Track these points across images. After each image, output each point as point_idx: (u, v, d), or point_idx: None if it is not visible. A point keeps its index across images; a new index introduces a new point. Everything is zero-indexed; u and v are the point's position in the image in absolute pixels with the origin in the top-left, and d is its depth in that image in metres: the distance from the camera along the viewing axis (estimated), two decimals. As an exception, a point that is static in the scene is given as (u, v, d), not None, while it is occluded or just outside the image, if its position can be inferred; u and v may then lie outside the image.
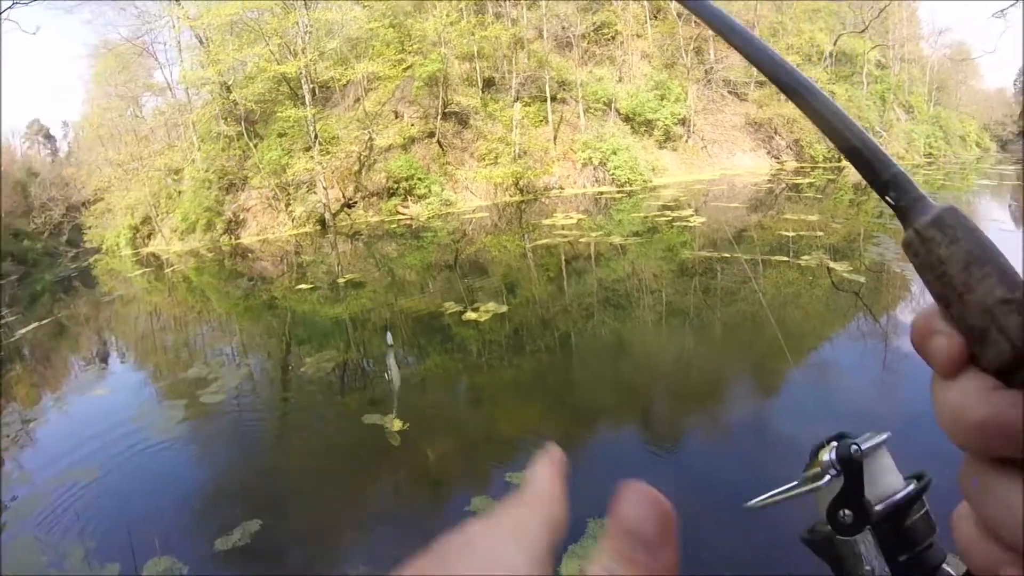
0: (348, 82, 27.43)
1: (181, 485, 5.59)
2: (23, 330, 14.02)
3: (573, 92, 29.06)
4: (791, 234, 13.46)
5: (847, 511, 0.50)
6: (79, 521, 4.96)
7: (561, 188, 26.85)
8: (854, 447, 0.51)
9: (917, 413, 4.77)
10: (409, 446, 5.59)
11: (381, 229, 22.31)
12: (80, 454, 6.32)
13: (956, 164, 33.20)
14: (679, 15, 33.07)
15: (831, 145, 0.36)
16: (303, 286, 13.83)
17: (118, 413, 7.56)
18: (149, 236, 28.47)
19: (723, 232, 15.13)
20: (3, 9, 15.61)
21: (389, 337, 6.99)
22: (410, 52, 26.81)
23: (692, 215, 17.39)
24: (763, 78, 0.38)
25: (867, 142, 0.35)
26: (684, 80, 31.43)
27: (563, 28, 30.71)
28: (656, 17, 34.92)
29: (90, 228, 32.73)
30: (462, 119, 27.78)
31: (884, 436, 0.53)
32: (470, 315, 9.40)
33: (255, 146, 25.90)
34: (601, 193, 25.30)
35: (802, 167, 30.94)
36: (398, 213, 24.09)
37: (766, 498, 0.57)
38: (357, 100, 26.97)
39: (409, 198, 24.66)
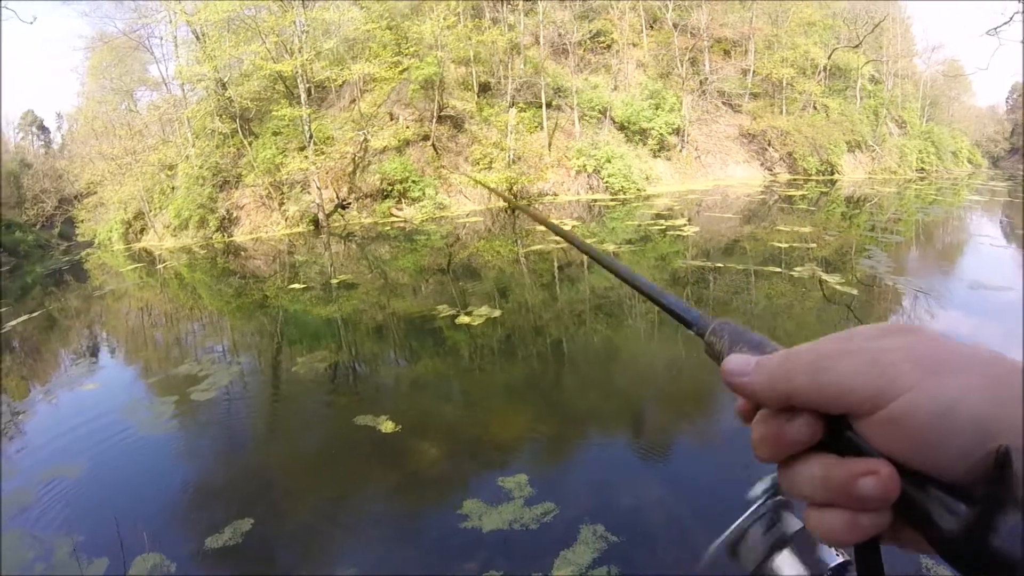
0: (344, 83, 27.39)
1: (171, 481, 5.58)
2: (13, 322, 13.92)
3: (568, 99, 29.15)
4: (784, 245, 13.57)
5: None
6: (67, 515, 4.95)
7: (555, 195, 26.89)
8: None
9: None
10: (400, 448, 5.60)
11: (374, 231, 22.29)
12: (69, 448, 6.31)
13: (948, 179, 33.51)
14: (675, 25, 33.29)
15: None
16: (296, 286, 13.81)
17: (108, 408, 7.55)
18: (142, 231, 28.31)
19: (716, 242, 15.22)
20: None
21: None
22: (407, 54, 26.78)
23: (685, 224, 17.48)
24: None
25: (677, 302, 0.53)
26: (679, 90, 31.58)
27: (559, 35, 30.81)
28: (652, 27, 35.15)
29: (82, 222, 32.59)
30: (457, 123, 27.79)
31: None
32: (463, 319, 9.42)
33: (250, 144, 25.82)
34: (595, 201, 25.36)
35: (795, 179, 31.15)
36: (392, 215, 24.07)
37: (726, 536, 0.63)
38: (353, 101, 26.92)
39: (403, 200, 24.64)
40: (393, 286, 13.69)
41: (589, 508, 4.48)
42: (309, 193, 24.47)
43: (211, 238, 24.51)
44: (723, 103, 34.03)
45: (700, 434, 5.79)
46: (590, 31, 32.05)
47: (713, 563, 0.63)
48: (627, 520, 4.30)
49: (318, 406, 7.27)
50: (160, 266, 20.81)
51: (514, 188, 25.89)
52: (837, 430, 0.36)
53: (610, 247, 14.88)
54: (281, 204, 24.92)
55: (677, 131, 30.99)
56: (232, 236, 24.61)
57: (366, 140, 25.46)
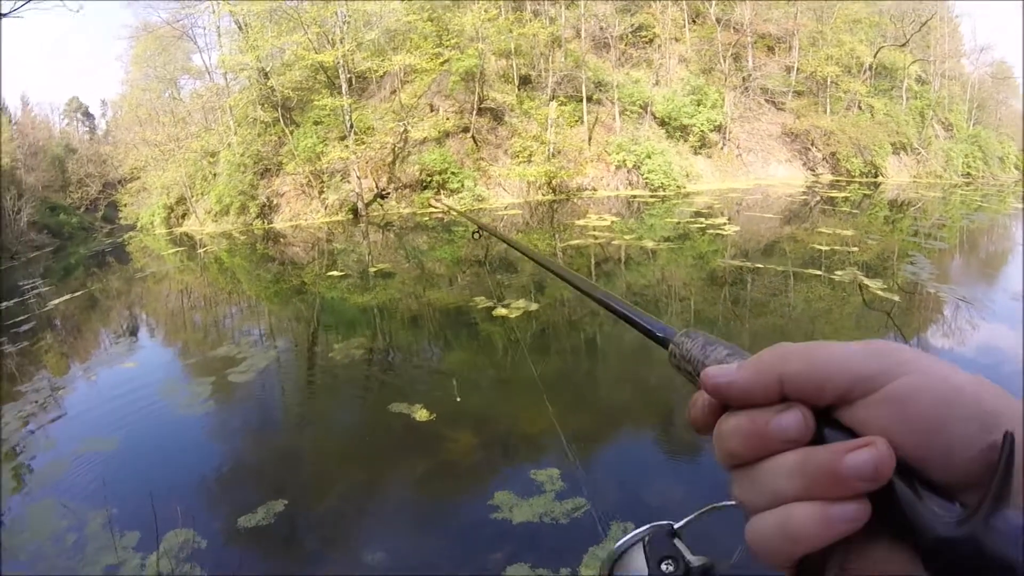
0: (385, 73, 27.48)
1: (206, 460, 5.60)
2: (56, 301, 14.23)
3: (609, 93, 28.86)
4: (825, 248, 13.23)
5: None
6: (102, 488, 4.97)
7: (594, 190, 26.70)
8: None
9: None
10: (434, 436, 5.55)
11: (413, 221, 22.37)
12: (106, 424, 6.37)
13: (994, 186, 32.44)
14: (718, 20, 32.77)
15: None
16: (334, 273, 13.88)
17: (146, 386, 7.62)
18: (183, 216, 28.85)
19: (756, 242, 14.93)
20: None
21: None
22: (447, 46, 26.79)
23: (725, 223, 17.18)
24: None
25: (651, 321, 0.53)
26: (721, 86, 31.05)
27: (601, 28, 30.50)
28: (695, 21, 34.57)
29: (125, 206, 33.33)
30: (497, 115, 27.72)
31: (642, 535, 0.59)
32: (500, 311, 9.33)
33: (291, 133, 26.07)
34: (634, 197, 25.10)
35: (838, 180, 30.41)
36: (430, 206, 24.12)
37: None
38: (393, 92, 27.01)
39: (442, 192, 24.67)
40: (430, 276, 13.67)
41: (620, 505, 4.38)
42: (349, 182, 24.63)
43: (251, 224, 24.83)
44: (766, 100, 33.35)
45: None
46: (632, 25, 31.67)
47: None
48: (657, 519, 4.17)
49: (353, 392, 7.26)
50: (201, 250, 21.12)
51: (553, 182, 25.77)
52: (823, 426, 0.33)
53: (648, 244, 14.70)
54: (321, 192, 25.12)
55: (719, 128, 30.50)
56: (272, 223, 24.89)
57: (406, 131, 25.52)
